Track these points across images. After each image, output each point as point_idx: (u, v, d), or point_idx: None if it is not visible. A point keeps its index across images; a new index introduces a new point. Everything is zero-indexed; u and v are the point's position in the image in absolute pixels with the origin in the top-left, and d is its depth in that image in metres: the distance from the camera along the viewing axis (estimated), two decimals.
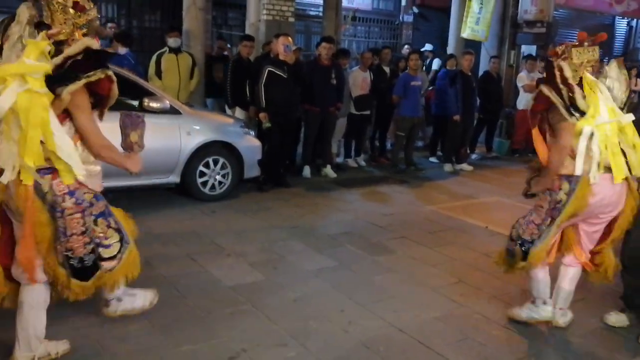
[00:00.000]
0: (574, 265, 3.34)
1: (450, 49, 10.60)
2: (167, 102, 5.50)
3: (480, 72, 10.01)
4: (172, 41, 7.11)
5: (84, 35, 2.52)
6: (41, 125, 2.35)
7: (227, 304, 3.49)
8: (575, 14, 14.31)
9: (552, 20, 11.39)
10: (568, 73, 3.00)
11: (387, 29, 14.09)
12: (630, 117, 3.08)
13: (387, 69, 8.33)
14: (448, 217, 5.78)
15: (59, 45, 2.46)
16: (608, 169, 3.01)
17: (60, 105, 2.42)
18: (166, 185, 5.81)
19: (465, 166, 8.46)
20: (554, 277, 3.43)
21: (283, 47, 6.31)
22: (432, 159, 9.02)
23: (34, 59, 2.36)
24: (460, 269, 4.29)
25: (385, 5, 14.01)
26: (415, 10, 13.93)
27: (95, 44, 2.49)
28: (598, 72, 3.17)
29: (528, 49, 11.52)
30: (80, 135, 2.52)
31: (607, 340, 3.30)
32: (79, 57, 2.41)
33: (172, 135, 5.54)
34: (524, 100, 9.24)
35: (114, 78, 2.57)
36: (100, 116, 2.65)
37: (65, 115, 2.47)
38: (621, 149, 3.04)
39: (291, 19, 8.42)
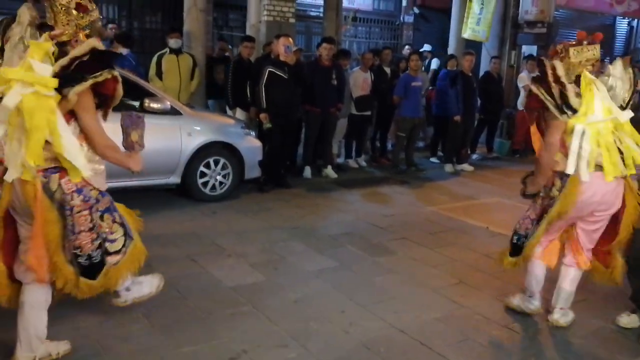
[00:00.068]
0: (574, 266, 3.34)
1: (450, 50, 10.61)
2: (168, 103, 5.51)
3: (481, 73, 10.00)
4: (173, 42, 7.12)
5: (87, 36, 2.53)
6: (48, 127, 2.36)
7: (228, 305, 3.49)
8: (576, 14, 14.30)
9: (552, 21, 11.39)
10: (561, 71, 3.02)
11: (387, 29, 14.08)
12: (629, 114, 3.07)
13: (387, 70, 8.34)
14: (449, 218, 5.78)
15: (62, 47, 2.47)
16: (600, 167, 3.01)
17: (66, 106, 2.43)
18: (167, 186, 5.82)
19: (466, 167, 8.46)
20: (555, 277, 3.44)
21: (284, 48, 6.31)
22: (433, 160, 9.02)
23: (38, 60, 2.37)
24: (461, 270, 4.29)
25: (385, 6, 14.00)
26: (416, 10, 13.92)
27: (101, 44, 2.50)
28: (599, 71, 3.17)
29: (529, 49, 11.54)
30: (85, 135, 2.53)
31: (609, 341, 3.29)
32: (85, 58, 2.42)
33: (173, 136, 5.55)
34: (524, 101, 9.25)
35: (119, 78, 2.58)
36: (105, 116, 2.66)
37: (71, 115, 2.48)
38: (617, 148, 3.03)
39: (292, 20, 8.43)
